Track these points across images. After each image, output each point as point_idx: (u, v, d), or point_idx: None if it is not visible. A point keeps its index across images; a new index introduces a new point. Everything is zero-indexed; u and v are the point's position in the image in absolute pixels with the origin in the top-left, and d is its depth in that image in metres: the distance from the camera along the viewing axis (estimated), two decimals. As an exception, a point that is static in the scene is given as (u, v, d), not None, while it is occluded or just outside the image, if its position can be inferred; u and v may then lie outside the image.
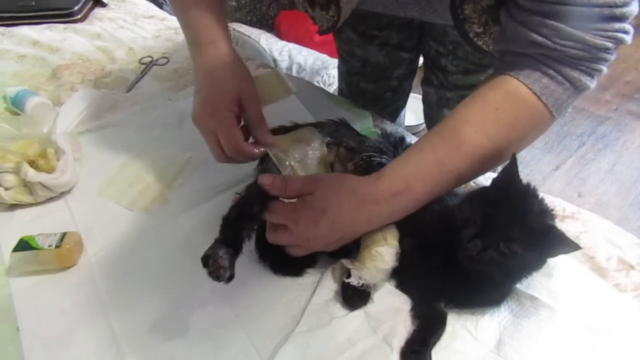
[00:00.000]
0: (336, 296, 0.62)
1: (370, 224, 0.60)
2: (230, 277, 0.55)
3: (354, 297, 0.61)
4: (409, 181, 0.58)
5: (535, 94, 0.58)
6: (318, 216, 0.57)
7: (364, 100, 1.13)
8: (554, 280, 0.61)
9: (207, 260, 0.54)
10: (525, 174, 1.22)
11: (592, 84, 0.58)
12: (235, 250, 0.57)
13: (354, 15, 0.82)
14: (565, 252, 0.56)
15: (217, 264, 0.54)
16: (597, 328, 0.58)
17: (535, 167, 1.99)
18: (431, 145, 0.61)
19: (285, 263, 0.65)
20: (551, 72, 0.57)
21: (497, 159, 0.61)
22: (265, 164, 0.70)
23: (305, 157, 0.68)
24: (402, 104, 1.17)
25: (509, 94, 0.59)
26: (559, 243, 0.54)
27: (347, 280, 0.60)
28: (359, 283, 0.59)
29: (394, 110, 1.14)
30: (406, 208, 0.59)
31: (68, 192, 0.79)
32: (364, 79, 1.09)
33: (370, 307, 0.61)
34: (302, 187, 0.59)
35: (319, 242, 0.59)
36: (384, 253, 0.60)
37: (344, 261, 0.62)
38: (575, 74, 0.57)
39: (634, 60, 2.57)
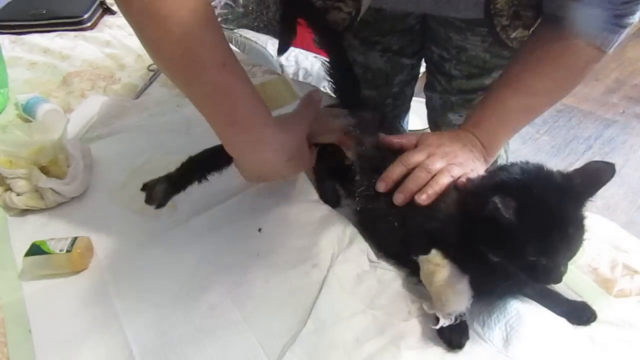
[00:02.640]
0: (343, 295, 0.63)
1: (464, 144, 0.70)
2: (158, 206, 0.68)
3: (454, 335, 0.57)
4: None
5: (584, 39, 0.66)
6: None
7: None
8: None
9: (145, 188, 0.68)
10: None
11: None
12: (176, 188, 0.69)
13: (360, 22, 0.84)
14: None
15: (150, 195, 0.68)
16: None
17: (542, 171, 1.98)
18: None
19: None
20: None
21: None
22: None
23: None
24: (404, 110, 1.17)
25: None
26: None
27: (438, 326, 0.57)
28: (451, 320, 0.57)
29: (395, 116, 1.14)
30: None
31: (79, 197, 0.81)
32: (365, 86, 1.09)
33: (378, 309, 0.61)
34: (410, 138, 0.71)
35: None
36: (446, 275, 0.58)
37: (425, 307, 0.60)
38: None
39: (640, 64, 2.56)
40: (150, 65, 1.17)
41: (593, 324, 0.61)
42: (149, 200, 0.68)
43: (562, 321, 0.59)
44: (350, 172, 0.71)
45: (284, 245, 0.71)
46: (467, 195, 0.60)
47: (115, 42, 1.28)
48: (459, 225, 0.58)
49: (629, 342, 0.59)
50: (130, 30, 1.31)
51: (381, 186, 0.66)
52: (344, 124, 0.74)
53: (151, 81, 1.11)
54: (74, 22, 1.35)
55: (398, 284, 0.64)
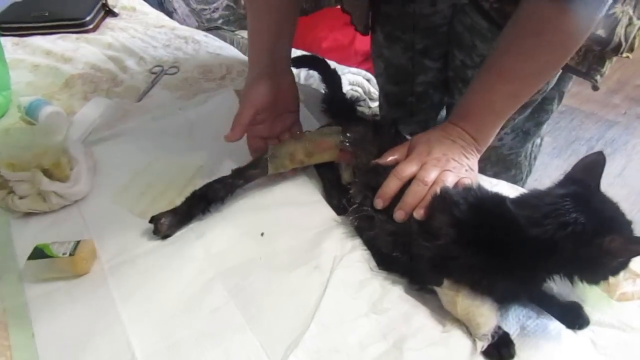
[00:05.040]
0: (346, 298, 0.63)
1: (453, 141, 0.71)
2: (164, 237, 0.73)
3: (502, 349, 0.57)
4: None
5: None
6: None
7: (388, 103, 1.14)
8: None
9: (152, 221, 0.73)
10: (534, 179, 1.22)
11: None
12: (182, 220, 0.74)
13: (384, 15, 0.89)
14: None
15: (157, 227, 0.72)
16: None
17: (544, 173, 1.98)
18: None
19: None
20: None
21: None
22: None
23: (296, 154, 0.78)
24: (433, 116, 1.14)
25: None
26: None
27: (480, 349, 0.57)
28: (488, 339, 0.57)
29: (422, 120, 1.12)
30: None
31: (82, 200, 0.81)
32: (387, 81, 1.11)
33: (381, 313, 0.61)
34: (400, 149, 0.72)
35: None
36: (467, 302, 0.59)
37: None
38: None
39: (643, 64, 2.56)
40: (152, 67, 1.17)
41: (595, 327, 0.61)
42: (156, 232, 0.73)
43: (563, 334, 0.59)
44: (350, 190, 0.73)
45: (286, 247, 0.71)
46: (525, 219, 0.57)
47: (117, 44, 1.28)
48: (465, 247, 0.58)
49: (630, 345, 0.59)
50: (132, 32, 1.35)
51: (378, 203, 0.67)
52: (338, 141, 0.75)
53: (153, 84, 1.11)
54: (76, 25, 1.35)
55: (400, 289, 0.64)
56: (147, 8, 1.57)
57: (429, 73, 1.04)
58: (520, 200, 0.60)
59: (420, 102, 1.09)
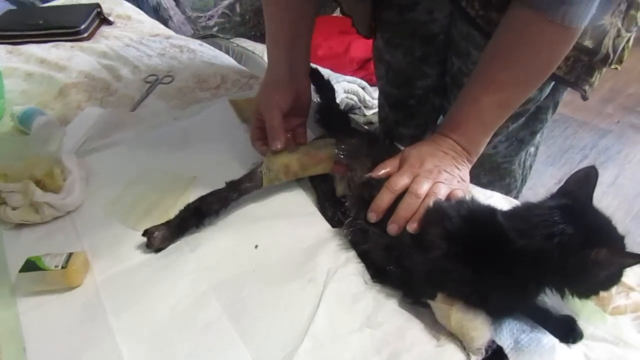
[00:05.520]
0: (340, 312, 0.63)
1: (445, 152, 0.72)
2: (157, 251, 0.72)
3: None
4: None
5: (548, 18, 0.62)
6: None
7: (389, 105, 1.15)
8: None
9: (145, 234, 0.72)
10: (528, 188, 1.22)
11: None
12: (175, 233, 0.73)
13: (384, 22, 0.93)
14: None
15: (150, 241, 0.72)
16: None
17: (538, 181, 1.99)
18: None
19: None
20: None
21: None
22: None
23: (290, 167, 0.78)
24: (433, 120, 1.15)
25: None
26: None
27: None
28: (482, 354, 0.57)
29: (422, 123, 1.13)
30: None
31: (74, 211, 0.80)
32: (388, 83, 1.12)
33: (375, 327, 0.61)
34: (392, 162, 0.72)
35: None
36: (461, 316, 0.59)
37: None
38: None
39: (636, 73, 2.58)
40: (147, 77, 1.17)
41: (588, 341, 0.61)
42: (149, 246, 0.72)
43: (557, 350, 0.59)
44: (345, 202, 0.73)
45: (280, 260, 0.71)
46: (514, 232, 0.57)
47: (111, 53, 1.28)
48: (457, 261, 0.58)
49: (623, 359, 0.59)
50: (127, 41, 1.34)
51: (372, 217, 0.67)
52: (332, 153, 0.75)
53: (148, 93, 1.11)
54: (70, 33, 1.35)
55: (394, 302, 0.64)
56: (143, 16, 1.57)
57: (429, 78, 1.05)
58: (510, 212, 0.61)
59: (421, 105, 1.10)
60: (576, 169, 0.62)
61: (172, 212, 0.76)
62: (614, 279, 0.57)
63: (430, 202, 0.65)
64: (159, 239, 0.72)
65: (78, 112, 1.03)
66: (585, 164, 2.09)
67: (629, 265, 0.55)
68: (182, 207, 0.75)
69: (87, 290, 0.68)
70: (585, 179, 0.59)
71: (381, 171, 0.71)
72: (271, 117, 0.80)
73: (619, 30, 0.77)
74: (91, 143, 0.95)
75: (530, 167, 1.16)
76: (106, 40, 1.35)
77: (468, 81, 0.73)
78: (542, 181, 2.00)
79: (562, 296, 0.58)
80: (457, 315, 0.58)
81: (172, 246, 0.73)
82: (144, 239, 0.72)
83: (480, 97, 0.70)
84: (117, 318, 0.64)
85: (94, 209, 0.81)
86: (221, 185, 0.77)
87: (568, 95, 0.99)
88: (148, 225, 0.73)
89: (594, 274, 0.54)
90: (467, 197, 0.68)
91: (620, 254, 0.53)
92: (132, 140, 0.96)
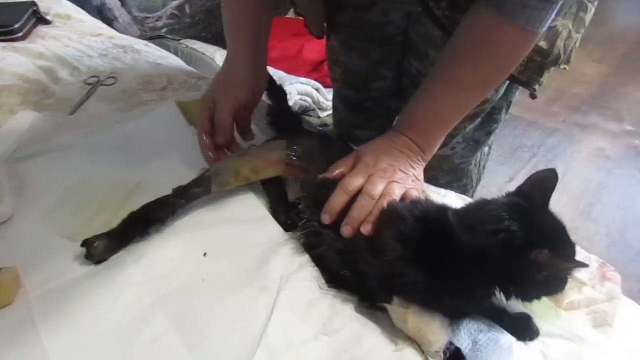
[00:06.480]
0: (294, 321, 0.60)
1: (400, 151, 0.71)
2: (98, 262, 0.67)
3: None
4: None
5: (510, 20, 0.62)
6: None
7: (345, 107, 1.13)
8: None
9: (84, 245, 0.67)
10: (481, 186, 1.24)
11: None
12: (118, 244, 0.68)
13: (338, 24, 0.94)
14: None
15: (89, 252, 0.66)
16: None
17: (490, 180, 2.03)
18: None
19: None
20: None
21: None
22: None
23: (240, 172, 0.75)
24: (389, 122, 1.14)
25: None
26: None
27: None
28: (441, 357, 0.56)
29: (379, 126, 1.12)
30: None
31: (4, 223, 0.74)
32: (344, 86, 1.10)
33: (331, 335, 0.59)
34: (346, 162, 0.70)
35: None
36: (417, 320, 0.57)
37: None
38: None
39: (579, 74, 2.69)
40: (88, 78, 1.10)
41: (545, 339, 0.61)
42: (88, 257, 0.67)
43: (514, 349, 0.58)
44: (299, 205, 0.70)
45: (231, 268, 0.67)
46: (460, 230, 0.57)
47: (49, 54, 1.20)
48: (411, 263, 0.57)
49: (579, 355, 0.59)
50: (66, 41, 1.27)
51: (326, 219, 0.65)
52: (284, 155, 0.72)
53: (88, 95, 1.05)
54: (4, 32, 1.25)
55: (350, 308, 0.62)
56: (84, 16, 1.49)
57: (386, 80, 1.04)
58: (462, 210, 0.60)
59: (378, 107, 1.10)
60: (526, 168, 0.62)
61: (114, 221, 0.71)
62: (556, 284, 0.57)
63: (385, 203, 0.63)
64: (100, 249, 0.67)
65: (10, 117, 0.95)
66: (534, 162, 2.15)
67: (568, 271, 0.55)
68: (126, 216, 0.70)
69: (19, 310, 0.62)
70: (544, 182, 0.59)
71: (335, 171, 0.69)
72: (221, 109, 0.80)
73: (570, 32, 0.78)
74: (24, 150, 0.88)
75: (484, 166, 1.18)
76: (43, 40, 1.27)
77: (426, 80, 0.73)
78: (494, 180, 2.05)
79: (507, 298, 0.57)
80: (415, 319, 0.57)
81: (113, 257, 0.68)
82: (83, 251, 0.67)
83: (440, 97, 0.70)
84: (51, 339, 0.58)
85: (28, 220, 0.75)
86: (168, 191, 0.73)
87: (517, 96, 1.01)
88: (88, 236, 0.68)
89: (533, 275, 0.53)
90: (422, 197, 0.67)
91: (560, 258, 0.52)
92: (71, 146, 0.89)
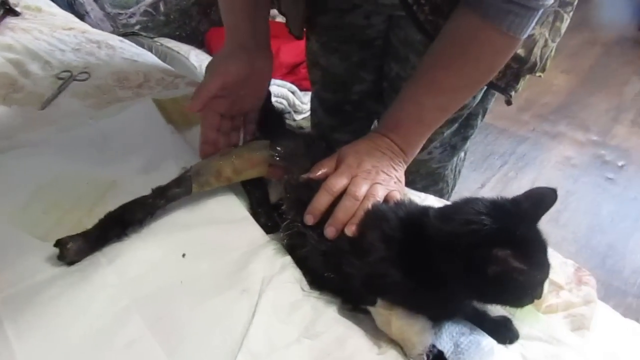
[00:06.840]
0: (276, 323, 0.59)
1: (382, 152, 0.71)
2: (70, 263, 0.64)
3: None
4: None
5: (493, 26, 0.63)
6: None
7: (324, 110, 1.12)
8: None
9: (57, 245, 0.64)
10: (454, 192, 1.25)
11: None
12: (94, 244, 0.65)
13: (319, 26, 0.91)
14: None
15: (62, 253, 0.64)
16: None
17: (462, 185, 2.05)
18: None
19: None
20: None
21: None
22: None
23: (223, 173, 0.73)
24: (368, 125, 1.14)
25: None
26: None
27: None
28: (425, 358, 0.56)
29: (358, 129, 1.11)
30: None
31: (-31, 222, 0.70)
32: (323, 88, 1.10)
33: (314, 338, 0.58)
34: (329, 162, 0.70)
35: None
36: (400, 322, 0.57)
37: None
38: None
39: (548, 84, 2.76)
40: (60, 72, 1.07)
41: (524, 341, 0.61)
42: (61, 258, 0.64)
43: (495, 352, 0.59)
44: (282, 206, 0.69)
45: (210, 270, 0.66)
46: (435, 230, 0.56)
47: (18, 46, 1.16)
48: (394, 264, 0.57)
49: (558, 357, 0.60)
50: (36, 34, 1.22)
51: (309, 219, 0.64)
52: (267, 155, 0.71)
53: (60, 90, 1.01)
54: (-31, 23, 1.21)
55: (333, 310, 0.61)
56: (55, 9, 1.45)
57: (365, 83, 1.04)
58: (445, 206, 0.61)
59: (357, 110, 1.10)
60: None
61: (87, 221, 0.68)
62: (516, 290, 0.55)
63: (369, 204, 0.63)
64: (74, 250, 0.64)
65: (-24, 111, 0.91)
66: (505, 169, 2.20)
67: (518, 276, 0.52)
68: (102, 217, 0.68)
69: (-16, 313, 0.59)
70: (541, 198, 0.57)
71: (319, 172, 0.68)
72: (206, 81, 0.76)
73: (546, 40, 0.80)
74: (-9, 145, 0.84)
75: (460, 171, 1.20)
76: (12, 32, 1.22)
77: (409, 82, 0.73)
78: (465, 185, 2.08)
79: (469, 296, 0.58)
80: (398, 322, 0.57)
81: (86, 259, 0.65)
82: (55, 251, 0.64)
83: (423, 99, 0.70)
84: (21, 342, 0.56)
85: (-5, 219, 0.71)
86: (144, 191, 0.70)
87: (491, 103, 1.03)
88: (59, 235, 0.65)
89: (485, 268, 0.51)
90: (405, 199, 0.67)
91: (518, 258, 0.50)
92: (41, 142, 0.86)
